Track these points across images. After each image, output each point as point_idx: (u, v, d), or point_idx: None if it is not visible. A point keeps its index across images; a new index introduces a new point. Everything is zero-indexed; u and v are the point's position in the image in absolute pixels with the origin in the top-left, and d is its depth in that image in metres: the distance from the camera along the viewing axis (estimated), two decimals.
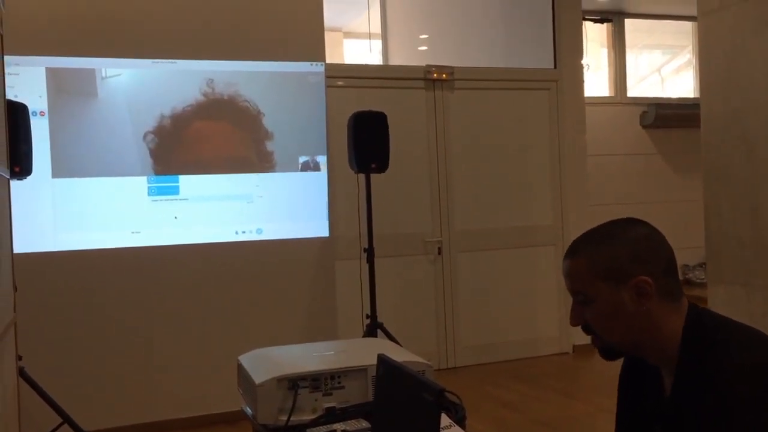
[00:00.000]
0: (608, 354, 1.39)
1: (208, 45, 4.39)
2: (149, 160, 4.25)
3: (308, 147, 4.58)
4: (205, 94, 4.34)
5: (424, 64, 5.51)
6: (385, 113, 4.36)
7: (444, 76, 5.48)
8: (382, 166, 4.34)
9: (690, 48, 9.24)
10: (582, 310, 1.37)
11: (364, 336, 4.35)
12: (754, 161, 4.29)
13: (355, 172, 4.41)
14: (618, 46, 8.62)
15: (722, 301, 4.51)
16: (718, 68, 4.55)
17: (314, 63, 4.60)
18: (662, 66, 9.55)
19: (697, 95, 5.69)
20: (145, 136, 4.23)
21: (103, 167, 4.18)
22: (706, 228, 4.73)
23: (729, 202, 4.56)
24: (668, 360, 1.34)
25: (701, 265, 8.12)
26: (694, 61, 9.08)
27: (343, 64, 6.67)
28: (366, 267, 4.43)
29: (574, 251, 1.39)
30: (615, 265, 1.33)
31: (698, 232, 5.51)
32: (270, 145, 4.48)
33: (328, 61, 4.70)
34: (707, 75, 4.68)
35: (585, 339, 5.36)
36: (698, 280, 8.28)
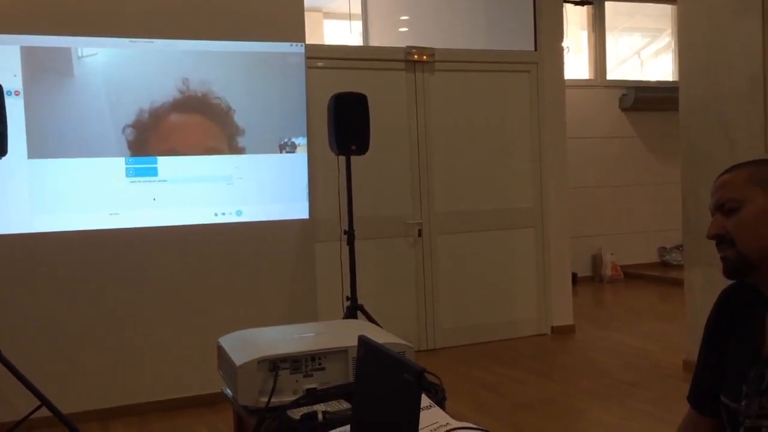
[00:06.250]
0: (738, 267, 1.38)
1: (186, 24, 4.33)
2: (127, 149, 4.22)
3: (288, 129, 4.55)
4: (180, 91, 4.31)
5: (404, 45, 5.48)
6: (366, 95, 4.34)
7: (424, 57, 5.46)
8: (363, 148, 4.32)
9: (670, 31, 9.29)
10: (724, 221, 1.39)
11: (344, 318, 4.36)
12: (732, 144, 4.33)
13: (335, 154, 4.40)
14: (598, 28, 8.65)
15: (699, 283, 4.57)
16: (698, 52, 4.58)
17: (294, 43, 4.56)
18: (642, 49, 9.59)
19: (676, 78, 5.73)
20: (123, 130, 4.19)
21: (79, 148, 4.12)
22: (683, 211, 4.77)
23: (707, 185, 4.60)
24: None
25: (678, 248, 8.22)
26: (673, 44, 9.13)
27: (324, 45, 6.63)
28: (346, 249, 4.43)
29: (734, 167, 1.43)
30: None
31: (675, 215, 5.57)
32: (242, 141, 4.45)
33: (307, 42, 4.66)
34: (686, 58, 4.71)
35: (563, 320, 5.39)
36: (675, 262, 8.39)
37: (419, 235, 5.46)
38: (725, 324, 1.48)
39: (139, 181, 4.25)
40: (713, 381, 1.46)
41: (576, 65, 8.59)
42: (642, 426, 3.77)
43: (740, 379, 1.37)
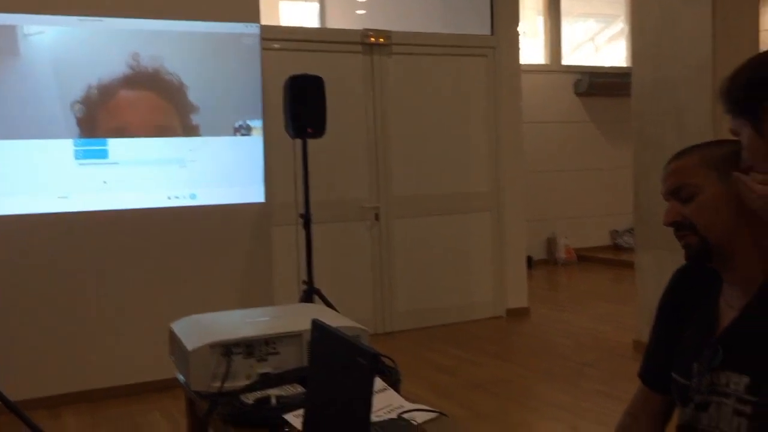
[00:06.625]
0: (701, 252, 1.36)
1: (137, 2, 4.22)
2: (75, 128, 4.11)
3: (243, 111, 4.49)
4: (131, 67, 4.20)
5: (361, 27, 5.44)
6: (322, 77, 4.30)
7: (381, 40, 5.43)
8: (319, 131, 4.29)
9: (623, 17, 9.40)
10: (680, 207, 1.37)
11: (300, 302, 4.34)
12: (682, 129, 4.42)
13: (291, 137, 4.35)
14: (554, 13, 8.71)
15: (650, 265, 4.66)
16: (649, 38, 4.64)
17: (249, 24, 4.49)
18: (596, 35, 9.69)
19: (629, 64, 5.79)
20: (72, 106, 4.07)
21: (26, 129, 4.00)
22: (634, 195, 4.86)
23: (657, 169, 4.68)
24: (753, 276, 1.33)
25: (630, 231, 8.38)
26: (627, 30, 9.24)
27: (279, 27, 6.53)
28: (303, 233, 4.40)
29: (684, 152, 1.40)
30: (726, 159, 1.34)
31: (627, 199, 5.67)
32: (195, 119, 4.36)
33: (263, 23, 4.59)
34: (638, 44, 4.77)
35: (518, 303, 5.43)
36: (627, 245, 8.56)
37: (376, 219, 5.46)
38: (679, 303, 1.50)
39: (89, 164, 4.14)
40: (665, 358, 1.48)
41: (532, 50, 8.65)
42: (594, 404, 3.85)
43: (693, 357, 1.39)
